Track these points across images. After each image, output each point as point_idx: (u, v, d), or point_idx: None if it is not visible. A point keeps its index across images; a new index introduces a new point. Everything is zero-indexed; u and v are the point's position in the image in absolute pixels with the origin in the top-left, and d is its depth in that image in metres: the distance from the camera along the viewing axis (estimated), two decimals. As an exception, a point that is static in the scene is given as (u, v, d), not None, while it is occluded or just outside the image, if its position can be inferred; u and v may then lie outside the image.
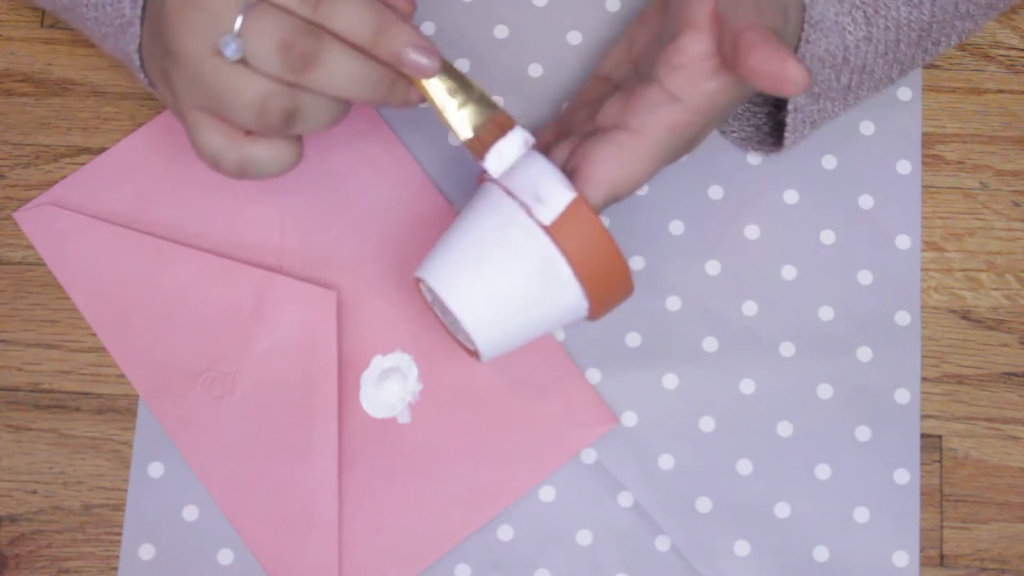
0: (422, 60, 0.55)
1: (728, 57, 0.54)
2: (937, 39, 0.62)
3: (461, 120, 0.58)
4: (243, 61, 0.54)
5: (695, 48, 0.56)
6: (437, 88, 0.57)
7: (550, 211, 0.55)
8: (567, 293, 0.57)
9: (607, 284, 0.57)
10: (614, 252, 0.56)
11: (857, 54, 0.60)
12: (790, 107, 0.61)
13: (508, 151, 0.57)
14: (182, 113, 0.57)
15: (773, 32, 0.54)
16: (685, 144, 0.57)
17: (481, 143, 0.58)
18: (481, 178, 0.59)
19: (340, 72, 0.54)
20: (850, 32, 0.59)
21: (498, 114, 0.58)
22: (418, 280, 0.59)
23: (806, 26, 0.58)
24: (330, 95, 0.55)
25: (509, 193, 0.56)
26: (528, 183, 0.56)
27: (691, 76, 0.56)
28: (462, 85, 0.57)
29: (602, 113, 0.58)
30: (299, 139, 0.57)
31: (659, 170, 0.58)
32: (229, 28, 0.53)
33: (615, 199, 0.57)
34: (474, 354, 0.60)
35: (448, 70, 0.57)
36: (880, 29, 0.59)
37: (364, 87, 0.55)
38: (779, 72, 0.53)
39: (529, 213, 0.55)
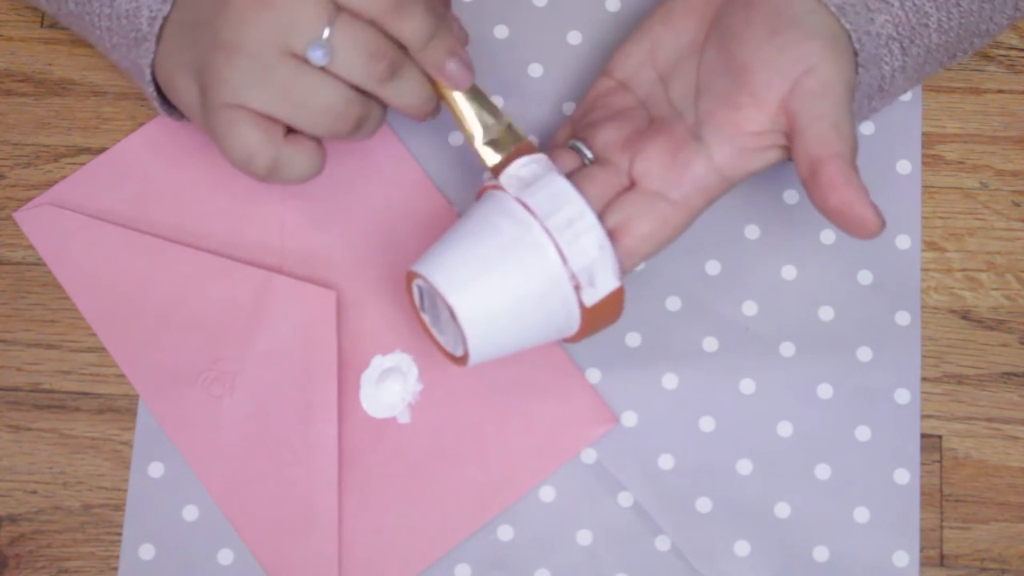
0: (460, 72, 0.58)
1: (802, 175, 0.56)
2: (953, 54, 0.62)
3: (488, 149, 0.59)
4: (322, 67, 0.56)
5: (752, 127, 0.57)
6: (468, 112, 0.59)
7: (596, 295, 0.57)
8: (567, 333, 0.59)
9: (603, 327, 0.60)
10: (621, 311, 0.59)
11: (892, 83, 0.60)
12: None
13: (529, 174, 0.58)
14: (214, 109, 0.57)
15: (854, 170, 0.55)
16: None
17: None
18: (484, 189, 0.59)
19: (415, 85, 0.58)
20: (887, 63, 0.59)
21: (524, 143, 0.59)
22: (412, 275, 0.59)
23: (858, 68, 0.58)
24: (397, 105, 0.58)
25: (560, 253, 0.56)
26: (586, 257, 0.57)
27: (741, 155, 0.57)
28: (491, 112, 0.59)
29: (643, 163, 0.58)
30: (323, 147, 0.58)
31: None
32: (312, 34, 0.55)
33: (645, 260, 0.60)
34: (457, 359, 0.60)
35: (479, 96, 0.59)
36: (913, 57, 0.60)
37: (425, 101, 0.58)
38: (858, 220, 0.55)
39: (576, 289, 0.57)
